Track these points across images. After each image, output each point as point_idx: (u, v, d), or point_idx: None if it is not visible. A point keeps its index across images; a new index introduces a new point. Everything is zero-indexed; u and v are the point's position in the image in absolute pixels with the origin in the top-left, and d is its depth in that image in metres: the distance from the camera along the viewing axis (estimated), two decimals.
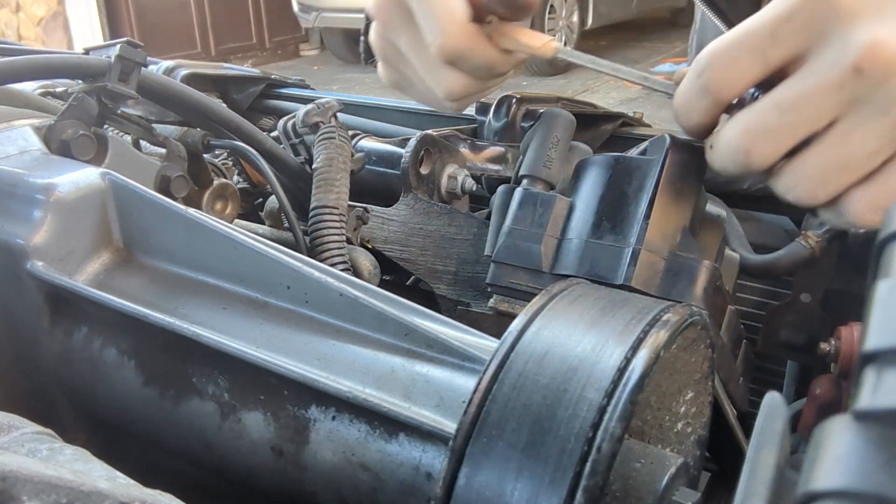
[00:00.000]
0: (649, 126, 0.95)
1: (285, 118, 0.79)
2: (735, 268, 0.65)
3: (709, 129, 0.49)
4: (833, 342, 0.66)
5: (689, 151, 0.56)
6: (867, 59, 0.41)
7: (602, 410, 0.31)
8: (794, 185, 0.47)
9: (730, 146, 0.46)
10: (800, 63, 0.44)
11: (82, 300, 0.47)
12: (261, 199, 0.87)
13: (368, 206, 0.74)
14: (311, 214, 0.67)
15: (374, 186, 0.80)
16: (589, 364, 0.32)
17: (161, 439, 0.47)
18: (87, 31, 6.30)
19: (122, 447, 0.50)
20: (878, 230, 0.22)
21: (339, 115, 0.78)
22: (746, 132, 0.45)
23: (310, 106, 0.75)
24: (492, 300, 0.63)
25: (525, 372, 0.33)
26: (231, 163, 0.84)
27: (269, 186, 0.72)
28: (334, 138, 0.72)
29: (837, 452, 0.17)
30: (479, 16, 0.56)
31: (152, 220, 0.50)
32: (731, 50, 0.46)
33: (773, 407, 0.21)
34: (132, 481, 0.31)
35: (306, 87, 1.10)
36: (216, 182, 0.72)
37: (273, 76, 1.08)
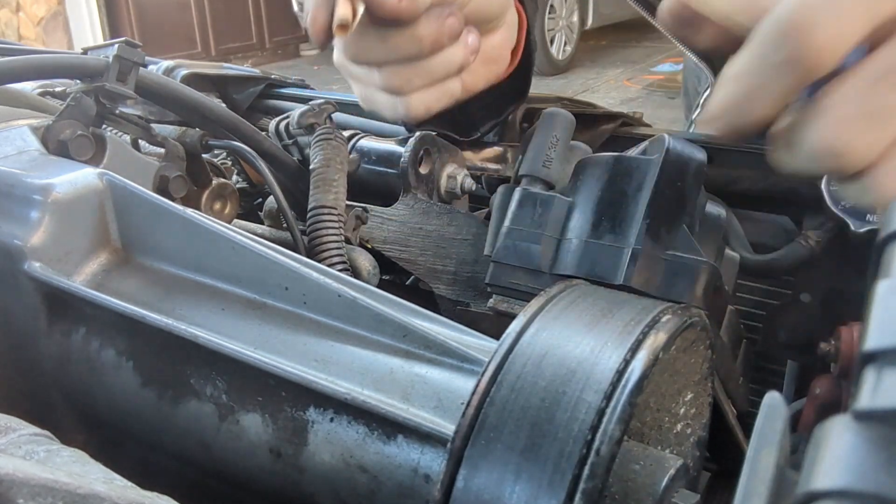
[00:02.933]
0: (649, 126, 0.95)
1: (277, 119, 0.79)
2: (735, 268, 0.65)
3: (773, 120, 0.37)
4: (833, 342, 0.66)
5: (689, 151, 0.56)
6: None
7: (601, 413, 0.31)
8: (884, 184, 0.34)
9: (822, 141, 0.33)
10: None
11: (80, 301, 0.47)
12: (260, 199, 0.87)
13: (367, 205, 0.74)
14: (309, 215, 0.67)
15: (373, 186, 0.80)
16: (588, 366, 0.32)
17: (159, 441, 0.47)
18: (87, 31, 6.30)
19: (119, 449, 0.50)
20: (878, 230, 0.22)
21: (338, 114, 0.78)
22: (850, 119, 0.33)
23: (304, 107, 0.75)
24: (491, 300, 0.62)
25: (523, 374, 0.33)
26: (230, 163, 0.83)
27: (267, 186, 0.71)
28: (331, 139, 0.72)
29: (837, 452, 0.17)
30: None
31: (150, 221, 0.50)
32: (833, 5, 0.32)
33: (773, 407, 0.21)
34: (130, 483, 0.31)
35: (306, 87, 1.10)
36: (215, 182, 0.71)
37: (273, 76, 1.08)
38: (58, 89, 0.76)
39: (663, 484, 0.32)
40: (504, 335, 0.35)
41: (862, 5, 0.32)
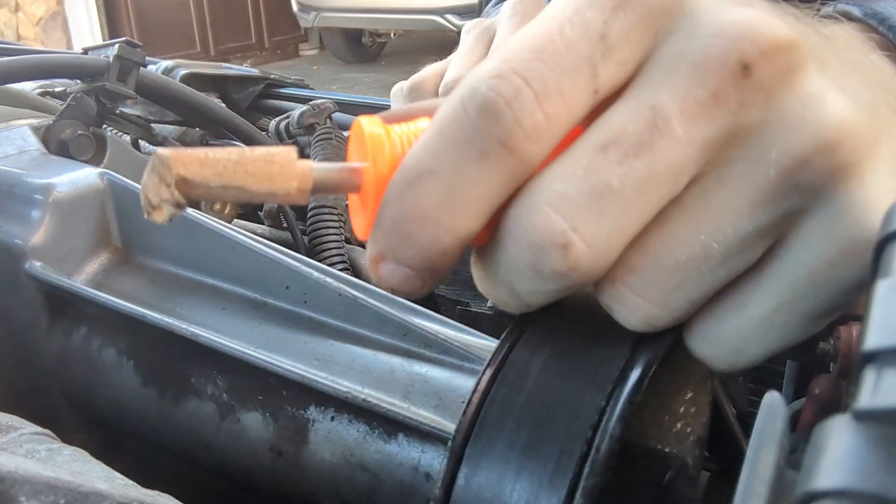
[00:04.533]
0: None
1: (277, 119, 0.79)
2: None
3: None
4: (832, 341, 0.66)
5: None
6: (749, 50, 0.22)
7: (601, 411, 0.31)
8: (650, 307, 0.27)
9: (537, 225, 0.24)
10: (633, 78, 0.24)
11: (81, 300, 0.47)
12: None
13: None
14: (309, 214, 0.67)
15: None
16: (588, 363, 0.32)
17: (160, 440, 0.47)
18: (86, 31, 6.29)
19: (120, 448, 0.50)
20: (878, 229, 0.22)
21: (338, 114, 0.78)
22: (571, 198, 0.23)
23: (305, 107, 0.75)
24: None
25: (524, 372, 0.33)
26: None
27: None
28: (331, 139, 0.72)
29: (837, 452, 0.17)
30: None
31: (151, 221, 0.50)
32: (547, 67, 0.23)
33: (773, 406, 0.21)
34: (131, 482, 0.31)
35: (305, 86, 1.10)
36: None
37: (272, 76, 1.08)
38: (58, 89, 0.76)
39: (663, 482, 0.32)
40: (505, 333, 0.35)
41: (580, 77, 0.23)
